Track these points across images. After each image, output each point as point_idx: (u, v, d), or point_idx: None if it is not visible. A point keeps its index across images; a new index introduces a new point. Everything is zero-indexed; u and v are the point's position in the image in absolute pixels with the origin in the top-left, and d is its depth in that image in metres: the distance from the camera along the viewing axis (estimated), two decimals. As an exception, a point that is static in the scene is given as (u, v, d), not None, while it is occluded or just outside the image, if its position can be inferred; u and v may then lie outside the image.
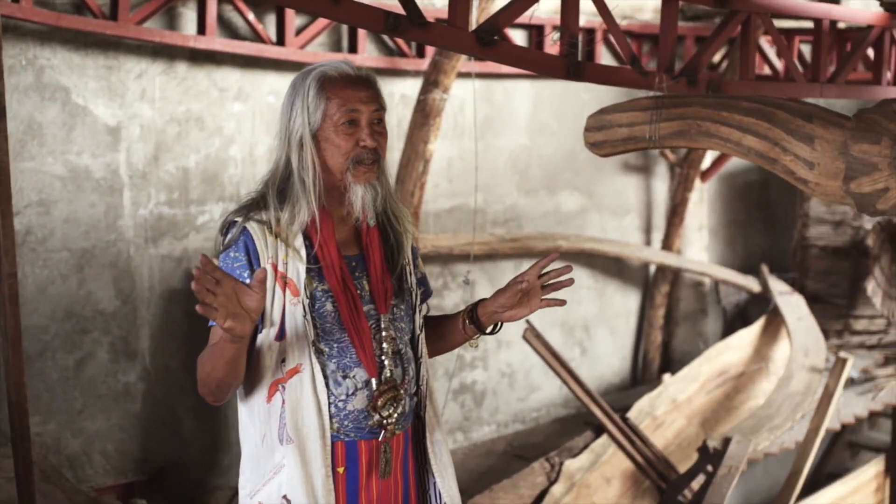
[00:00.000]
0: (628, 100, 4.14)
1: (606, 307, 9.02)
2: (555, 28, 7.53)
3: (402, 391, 2.84)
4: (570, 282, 2.95)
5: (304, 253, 2.78)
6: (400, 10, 3.41)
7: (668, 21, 4.11)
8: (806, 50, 7.76)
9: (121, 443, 6.27)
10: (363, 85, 2.82)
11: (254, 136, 6.62)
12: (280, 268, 2.75)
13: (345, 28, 6.89)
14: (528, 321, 6.49)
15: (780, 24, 5.73)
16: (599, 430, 6.53)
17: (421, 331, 2.98)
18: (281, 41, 6.47)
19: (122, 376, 6.23)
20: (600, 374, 8.96)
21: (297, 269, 2.77)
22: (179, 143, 6.31)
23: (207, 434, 6.63)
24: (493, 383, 8.14)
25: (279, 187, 2.82)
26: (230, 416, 6.67)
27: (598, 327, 8.97)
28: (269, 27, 6.52)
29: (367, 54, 6.94)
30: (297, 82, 2.83)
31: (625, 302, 9.18)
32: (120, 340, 6.20)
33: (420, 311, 3.00)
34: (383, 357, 2.83)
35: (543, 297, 2.94)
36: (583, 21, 4.14)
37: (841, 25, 5.46)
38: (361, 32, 6.82)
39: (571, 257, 8.57)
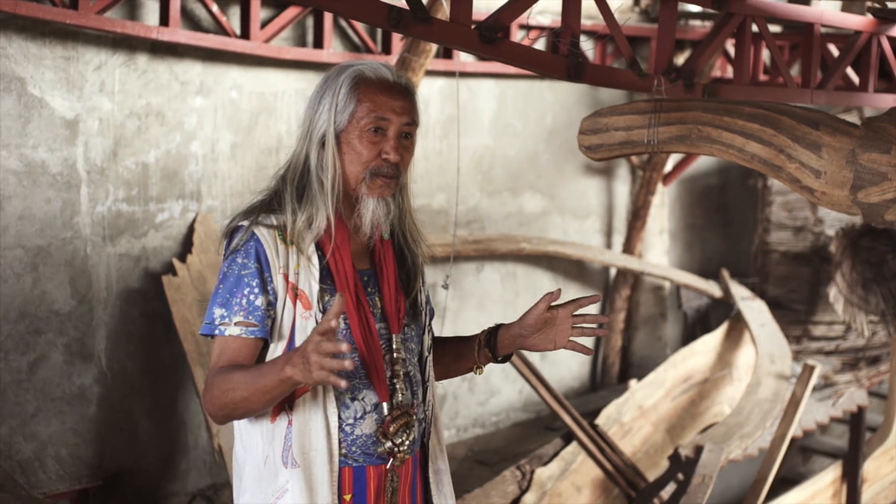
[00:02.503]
0: (623, 103, 4.02)
1: (567, 310, 8.91)
2: (551, 30, 7.45)
3: (413, 416, 2.69)
4: (606, 332, 2.83)
5: (316, 262, 2.60)
6: (403, 4, 3.25)
7: (667, 22, 4.00)
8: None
9: (75, 447, 6.04)
10: (399, 94, 2.65)
11: (216, 132, 6.41)
12: (291, 278, 2.58)
13: (310, 22, 6.72)
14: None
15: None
16: (568, 437, 6.42)
17: (429, 352, 2.82)
18: (245, 34, 6.28)
19: (78, 379, 6.00)
20: (560, 378, 8.86)
21: (310, 281, 2.59)
22: (139, 137, 6.09)
23: (164, 438, 6.42)
24: (454, 387, 8.00)
25: (297, 186, 2.65)
26: (188, 420, 6.48)
27: (558, 331, 8.86)
28: (234, 19, 6.32)
29: (333, 50, 6.77)
30: (331, 76, 2.67)
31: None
32: (75, 342, 5.97)
33: (429, 331, 2.84)
34: (395, 380, 2.67)
35: (572, 337, 2.79)
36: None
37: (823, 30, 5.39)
38: (327, 27, 6.65)
39: (533, 260, 8.49)
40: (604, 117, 3.98)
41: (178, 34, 5.92)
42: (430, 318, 2.92)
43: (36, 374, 5.83)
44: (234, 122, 6.50)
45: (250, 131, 6.57)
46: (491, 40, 3.42)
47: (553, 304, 2.77)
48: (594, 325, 2.81)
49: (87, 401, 6.06)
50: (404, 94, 2.67)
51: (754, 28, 4.45)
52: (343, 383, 2.29)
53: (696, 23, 8.76)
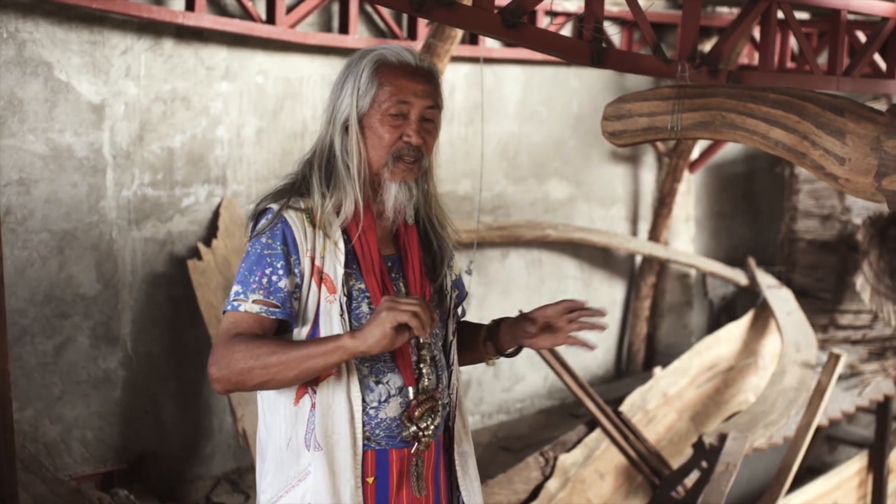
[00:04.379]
0: (649, 88, 4.00)
1: (592, 297, 8.89)
2: (576, 15, 7.41)
3: (438, 401, 2.68)
4: (603, 327, 2.80)
5: (342, 246, 2.60)
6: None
7: (691, 8, 3.97)
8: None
9: (100, 430, 6.08)
10: (421, 77, 2.64)
11: (241, 117, 6.42)
12: (317, 262, 2.58)
13: (336, 7, 6.71)
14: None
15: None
16: (592, 424, 6.41)
17: (454, 336, 2.81)
18: (271, 20, 6.28)
19: (103, 362, 6.04)
20: (585, 366, 8.84)
21: (335, 265, 2.59)
22: (165, 122, 6.11)
23: (189, 422, 6.44)
24: (478, 373, 8.00)
25: (323, 169, 2.65)
26: (213, 404, 6.51)
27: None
28: (259, 5, 6.32)
29: (358, 35, 6.76)
30: (353, 61, 2.66)
31: (611, 292, 9.07)
32: (101, 325, 6.00)
33: (454, 315, 2.83)
34: (421, 364, 2.67)
35: (571, 333, 2.77)
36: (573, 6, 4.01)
37: (850, 17, 5.33)
38: (353, 12, 6.64)
39: (559, 247, 8.47)
40: (627, 103, 3.96)
41: (204, 19, 5.93)
42: (460, 303, 2.91)
43: (62, 357, 5.87)
44: (260, 107, 6.50)
45: (276, 116, 6.57)
46: (514, 25, 3.40)
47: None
48: (595, 320, 2.77)
49: (113, 384, 6.09)
50: (426, 78, 2.66)
51: (780, 15, 4.41)
52: (406, 337, 2.40)
53: (724, 9, 8.70)
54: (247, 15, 6.20)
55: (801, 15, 7.15)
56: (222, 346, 2.50)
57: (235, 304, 2.55)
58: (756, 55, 8.63)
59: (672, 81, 3.93)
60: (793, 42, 7.88)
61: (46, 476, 5.23)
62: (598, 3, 3.63)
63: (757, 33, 7.74)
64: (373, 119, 2.62)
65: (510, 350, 2.88)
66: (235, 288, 2.57)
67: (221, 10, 6.18)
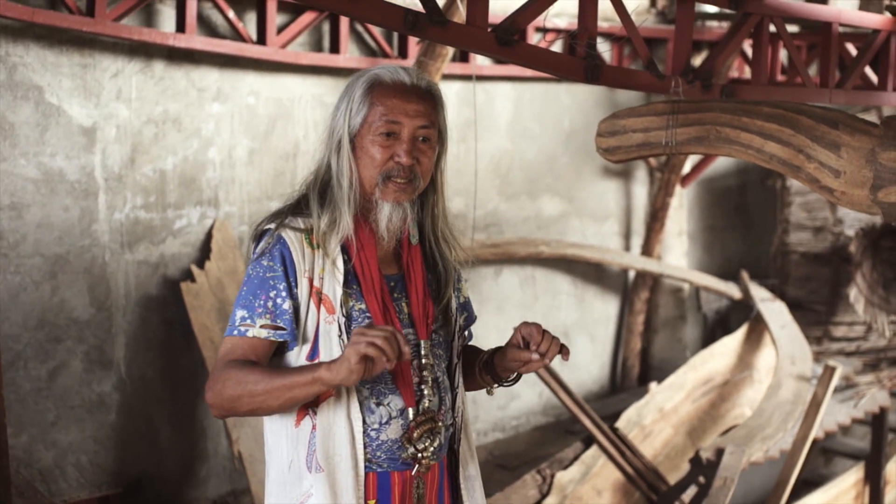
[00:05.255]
0: (641, 104, 3.99)
1: (586, 313, 8.90)
2: (567, 32, 7.42)
3: (439, 423, 2.66)
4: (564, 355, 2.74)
5: (342, 266, 2.59)
6: (419, 7, 3.24)
7: (684, 23, 3.98)
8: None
9: (95, 455, 6.04)
10: (416, 96, 2.63)
11: (233, 138, 6.41)
12: (316, 282, 2.57)
13: (326, 27, 6.72)
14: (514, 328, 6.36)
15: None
16: (589, 440, 6.38)
17: (459, 359, 2.80)
18: (262, 40, 6.28)
19: (97, 386, 6.01)
20: (580, 382, 8.83)
21: (334, 285, 2.58)
22: (156, 144, 6.09)
23: (185, 445, 6.42)
24: (473, 392, 7.96)
25: (321, 190, 2.64)
26: (208, 427, 6.47)
27: (578, 334, 8.84)
28: (250, 25, 6.32)
29: (349, 54, 6.77)
30: (352, 81, 2.68)
31: (604, 308, 9.07)
32: (95, 349, 5.97)
33: (459, 338, 2.82)
34: (423, 386, 2.65)
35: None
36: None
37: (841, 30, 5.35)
38: (343, 31, 6.64)
39: (552, 263, 8.46)
40: (621, 119, 3.96)
41: (195, 41, 5.93)
42: (467, 326, 2.89)
43: (56, 381, 5.84)
44: (252, 127, 6.49)
45: (267, 137, 6.57)
46: (507, 42, 3.40)
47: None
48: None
49: (107, 408, 6.06)
50: (421, 97, 2.64)
51: (772, 28, 4.41)
52: (390, 365, 2.35)
53: (713, 23, 8.73)
54: (238, 36, 6.19)
55: (791, 28, 7.17)
56: (217, 373, 2.52)
57: (243, 329, 2.55)
58: (747, 68, 8.66)
59: (665, 97, 3.93)
60: (782, 55, 7.91)
61: (41, 501, 5.21)
62: (591, 19, 3.63)
63: (748, 47, 7.79)
64: (364, 139, 2.62)
65: (510, 378, 2.85)
66: (241, 313, 2.56)
67: (212, 32, 6.18)
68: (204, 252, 6.32)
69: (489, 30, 3.40)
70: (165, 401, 6.28)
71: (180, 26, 5.91)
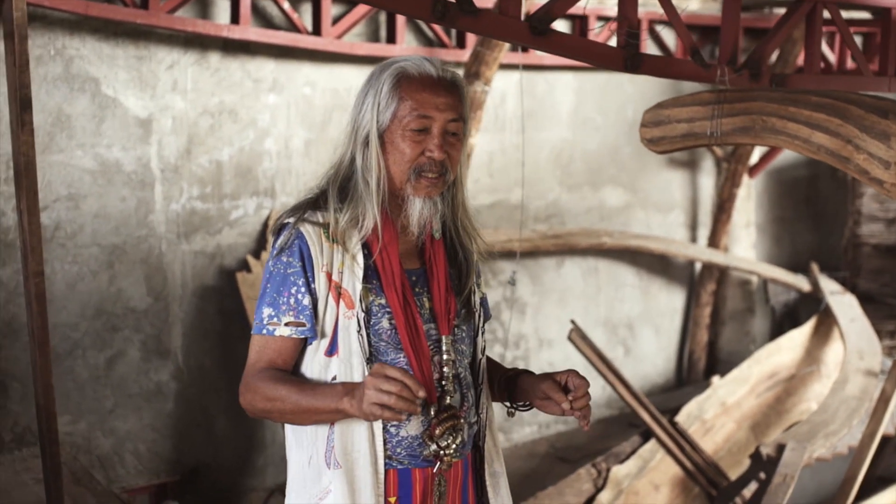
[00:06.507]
0: (687, 94, 3.90)
1: (651, 306, 8.78)
2: (602, 19, 7.31)
3: (461, 420, 2.61)
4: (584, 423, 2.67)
5: (361, 261, 2.56)
6: (449, -4, 3.18)
7: (731, 9, 3.87)
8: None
9: (153, 443, 6.10)
10: (443, 90, 2.58)
11: (289, 129, 6.42)
12: (335, 277, 2.55)
13: (383, 17, 6.69)
14: (572, 320, 6.30)
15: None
16: (647, 434, 6.30)
17: (482, 355, 2.75)
18: (317, 31, 6.27)
19: (154, 375, 6.06)
20: (644, 375, 8.72)
21: (353, 280, 2.55)
22: (212, 135, 6.12)
23: (242, 434, 6.44)
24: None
25: (341, 185, 2.61)
26: (264, 417, 6.48)
27: (642, 326, 8.73)
28: (305, 16, 6.32)
29: (406, 45, 6.73)
30: (375, 74, 2.61)
31: (670, 300, 8.94)
32: (151, 339, 6.02)
33: (482, 333, 2.77)
34: (444, 382, 2.60)
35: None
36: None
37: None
38: (400, 22, 6.61)
39: (616, 254, 8.36)
40: (666, 109, 3.88)
41: (249, 32, 5.94)
42: (485, 320, 2.85)
43: (113, 370, 5.90)
44: (308, 118, 6.49)
45: (324, 127, 6.56)
46: (542, 32, 3.33)
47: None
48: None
49: (165, 397, 6.11)
50: (449, 90, 2.59)
51: (826, 15, 4.28)
52: (402, 418, 2.37)
53: (782, 11, 8.53)
54: (293, 27, 6.19)
55: (848, 15, 6.94)
56: (249, 383, 2.55)
57: (271, 328, 2.55)
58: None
59: (711, 86, 3.83)
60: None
61: (97, 489, 5.25)
62: (631, 7, 3.54)
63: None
64: (394, 134, 2.57)
65: (525, 404, 2.78)
66: (267, 311, 2.56)
67: (267, 23, 6.18)
68: (260, 242, 6.34)
69: (523, 19, 3.33)
70: (222, 390, 6.31)
71: (234, 18, 5.92)
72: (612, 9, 7.27)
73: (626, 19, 3.54)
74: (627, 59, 3.55)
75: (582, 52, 3.50)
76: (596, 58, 3.57)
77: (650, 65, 3.65)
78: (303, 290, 2.54)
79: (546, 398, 2.64)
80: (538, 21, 3.32)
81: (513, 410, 2.81)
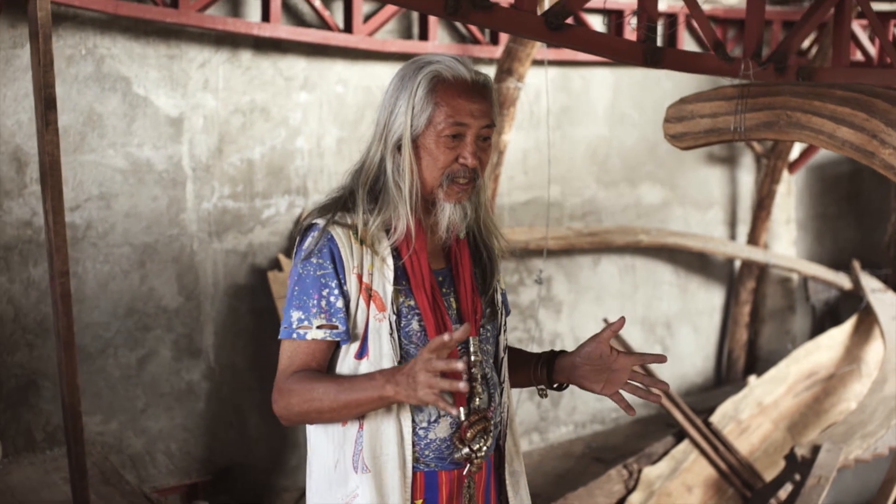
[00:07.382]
0: (711, 89, 3.84)
1: (689, 304, 8.68)
2: (633, 13, 7.22)
3: (491, 421, 2.58)
4: (658, 398, 2.64)
5: (391, 263, 2.52)
6: (461, -9, 3.13)
7: (755, 3, 3.80)
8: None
9: (185, 442, 6.11)
10: (478, 95, 2.53)
11: (321, 127, 6.41)
12: (365, 279, 2.51)
13: (415, 14, 6.65)
14: (605, 319, 6.24)
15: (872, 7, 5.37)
16: (680, 435, 6.23)
17: (505, 353, 2.71)
18: (348, 28, 6.25)
19: (186, 374, 6.07)
20: (683, 374, 8.63)
21: (384, 282, 2.52)
22: (244, 134, 6.12)
23: (274, 434, 6.44)
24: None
25: (370, 186, 2.56)
26: (296, 416, 6.48)
27: (680, 325, 8.64)
28: (337, 14, 6.30)
29: (439, 41, 6.69)
30: (407, 75, 2.55)
31: (708, 298, 8.84)
32: (183, 338, 6.04)
33: (505, 331, 2.74)
34: (473, 383, 2.57)
35: (622, 390, 2.65)
36: (663, 5, 3.86)
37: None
38: (433, 18, 6.57)
39: (653, 252, 8.28)
40: (689, 104, 3.82)
41: (280, 30, 5.93)
42: (506, 316, 2.82)
43: (145, 369, 5.92)
44: (340, 116, 6.48)
45: (356, 125, 6.54)
46: (559, 27, 3.28)
47: (619, 349, 2.64)
48: (646, 387, 2.64)
49: (196, 396, 6.12)
50: (482, 95, 2.55)
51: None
52: (454, 411, 2.34)
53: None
54: (324, 24, 6.18)
55: (878, 7, 6.79)
56: (282, 384, 2.51)
57: (302, 332, 2.50)
58: (857, 52, 8.32)
59: (736, 80, 3.76)
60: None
61: (125, 489, 5.27)
62: (650, 1, 3.49)
63: (858, 28, 7.46)
64: (428, 140, 2.52)
65: (564, 384, 2.76)
66: (297, 314, 2.51)
67: (299, 21, 6.17)
68: (292, 241, 6.32)
69: (539, 14, 3.27)
70: (254, 389, 6.31)
71: (265, 16, 5.92)
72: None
73: (646, 12, 3.48)
74: (647, 53, 3.49)
75: (600, 46, 3.45)
76: (615, 52, 3.51)
77: (671, 59, 3.59)
78: (335, 292, 2.50)
79: (587, 368, 2.65)
80: (554, 16, 3.27)
81: (545, 392, 2.79)
